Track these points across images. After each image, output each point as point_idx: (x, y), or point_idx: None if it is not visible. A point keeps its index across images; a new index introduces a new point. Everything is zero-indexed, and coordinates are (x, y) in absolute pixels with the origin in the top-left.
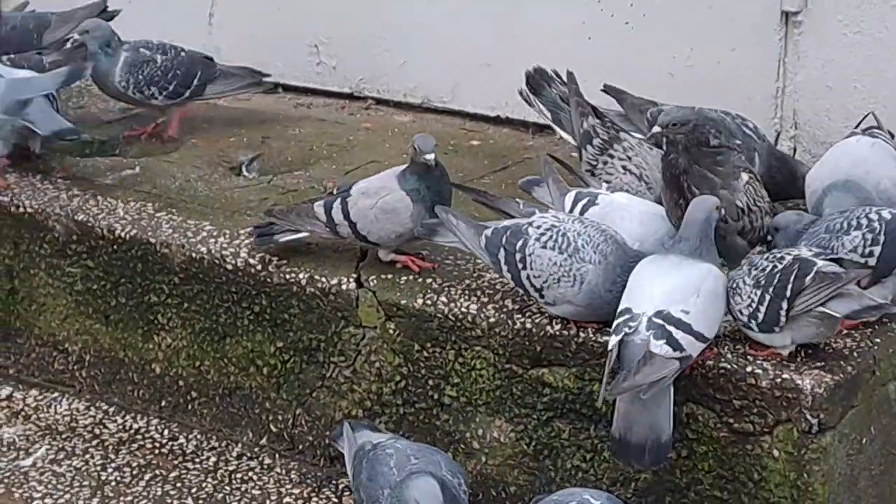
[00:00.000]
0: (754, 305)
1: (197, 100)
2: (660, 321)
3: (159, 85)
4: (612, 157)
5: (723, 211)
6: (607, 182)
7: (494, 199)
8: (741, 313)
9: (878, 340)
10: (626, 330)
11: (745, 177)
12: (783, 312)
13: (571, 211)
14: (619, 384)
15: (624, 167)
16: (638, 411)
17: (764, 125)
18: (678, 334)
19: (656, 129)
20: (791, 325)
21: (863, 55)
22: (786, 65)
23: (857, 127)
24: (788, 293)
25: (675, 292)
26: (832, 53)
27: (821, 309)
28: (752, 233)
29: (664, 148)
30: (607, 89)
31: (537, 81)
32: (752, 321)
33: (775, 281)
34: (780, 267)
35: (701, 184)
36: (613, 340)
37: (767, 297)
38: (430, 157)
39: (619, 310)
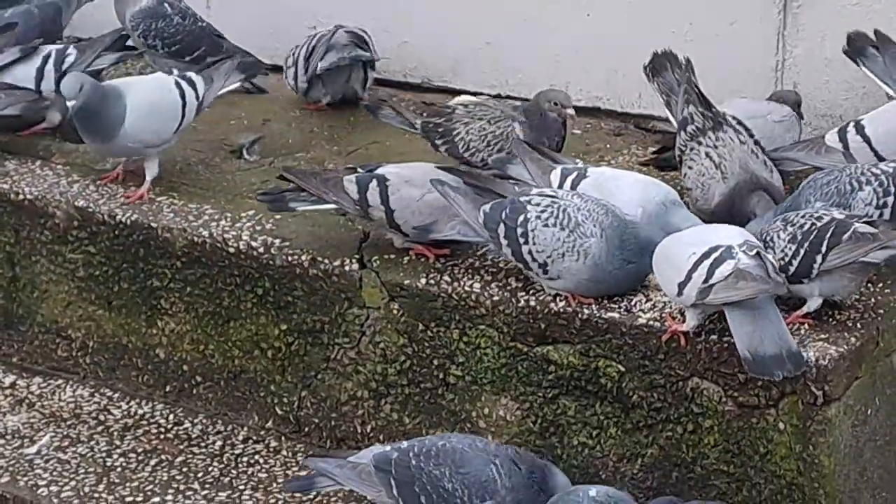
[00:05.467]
0: (787, 258)
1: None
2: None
3: (165, 41)
4: (699, 143)
5: None
6: (690, 168)
7: (486, 181)
8: None
9: (881, 312)
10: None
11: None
12: (816, 266)
13: (560, 187)
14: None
15: (707, 154)
16: (761, 327)
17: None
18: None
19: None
20: (821, 278)
21: (861, 27)
22: (785, 38)
23: None
24: (824, 248)
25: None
26: (831, 26)
27: (861, 259)
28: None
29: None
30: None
31: (661, 63)
32: (782, 273)
33: (812, 237)
34: (818, 225)
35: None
36: (731, 264)
37: (802, 251)
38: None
39: (696, 253)
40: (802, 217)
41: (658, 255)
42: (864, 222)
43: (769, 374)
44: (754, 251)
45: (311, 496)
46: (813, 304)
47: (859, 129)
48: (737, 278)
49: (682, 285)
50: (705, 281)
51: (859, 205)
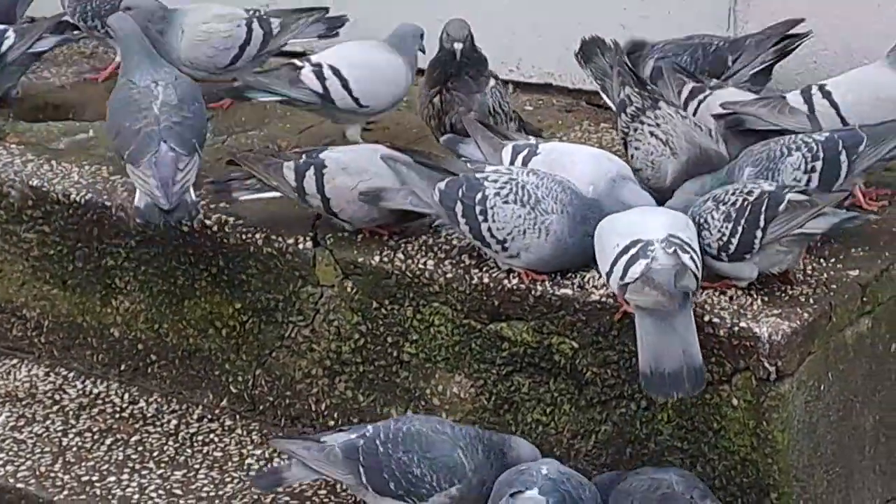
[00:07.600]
0: (725, 238)
1: None
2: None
3: (102, 22)
4: (642, 123)
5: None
6: (637, 149)
7: (438, 160)
8: (710, 246)
9: (834, 287)
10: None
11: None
12: (758, 241)
13: (512, 164)
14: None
15: (651, 132)
16: (667, 340)
17: None
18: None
19: (457, 45)
20: (760, 254)
21: (809, 1)
22: (736, 13)
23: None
24: (762, 222)
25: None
26: (781, 1)
27: (799, 230)
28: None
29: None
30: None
31: (590, 49)
32: (723, 253)
33: (747, 213)
34: (750, 199)
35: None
36: (642, 264)
37: (740, 229)
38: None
39: (620, 245)
40: (732, 194)
41: (596, 237)
42: (797, 191)
43: (664, 395)
44: (672, 249)
45: None
46: (743, 283)
47: (825, 93)
48: (643, 283)
49: (608, 275)
50: (621, 278)
51: (787, 169)
